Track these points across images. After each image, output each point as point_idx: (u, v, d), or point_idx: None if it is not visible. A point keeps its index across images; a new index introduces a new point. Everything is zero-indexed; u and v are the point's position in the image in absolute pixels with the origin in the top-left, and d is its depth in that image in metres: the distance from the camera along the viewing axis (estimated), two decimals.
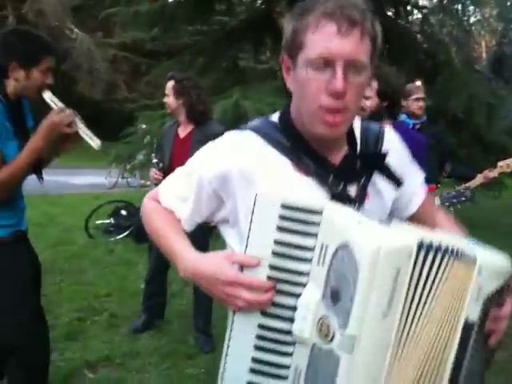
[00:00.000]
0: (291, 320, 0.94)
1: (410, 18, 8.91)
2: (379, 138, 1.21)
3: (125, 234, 6.65)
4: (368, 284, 0.82)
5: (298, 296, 0.94)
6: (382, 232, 0.91)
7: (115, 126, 20.14)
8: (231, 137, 1.16)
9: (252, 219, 0.94)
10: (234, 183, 1.10)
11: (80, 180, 13.71)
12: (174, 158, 3.48)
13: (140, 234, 6.42)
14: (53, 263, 5.29)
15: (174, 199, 1.23)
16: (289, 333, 0.95)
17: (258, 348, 0.98)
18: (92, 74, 24.39)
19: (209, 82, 9.96)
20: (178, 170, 1.26)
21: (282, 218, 0.93)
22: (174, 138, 3.57)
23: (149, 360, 3.21)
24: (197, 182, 1.16)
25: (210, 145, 1.20)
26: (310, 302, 0.92)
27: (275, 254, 0.94)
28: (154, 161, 3.74)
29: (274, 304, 0.95)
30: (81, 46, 23.44)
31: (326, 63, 1.01)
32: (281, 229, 0.93)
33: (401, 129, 2.45)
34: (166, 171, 3.26)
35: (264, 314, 0.96)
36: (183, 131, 3.54)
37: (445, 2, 8.66)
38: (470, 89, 7.12)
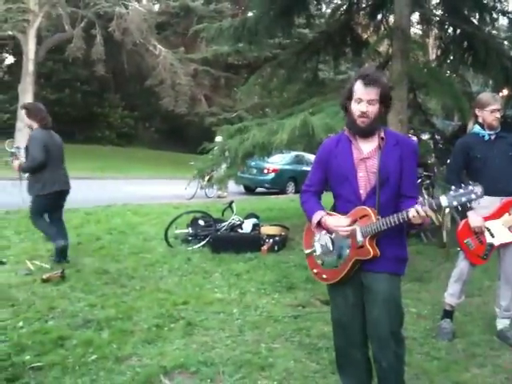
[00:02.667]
0: None
1: (496, 24, 8.49)
2: None
3: (202, 243, 6.79)
4: None
5: None
6: None
7: (196, 138, 20.73)
8: None
9: None
10: None
11: (161, 190, 14.20)
12: None
13: (216, 244, 6.56)
14: (134, 270, 5.50)
15: None
16: None
17: None
18: (175, 89, 25.27)
19: (290, 94, 10.06)
20: None
21: None
22: None
23: (223, 369, 3.23)
24: None
25: None
26: None
27: None
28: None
29: None
30: (164, 62, 24.36)
31: None
32: None
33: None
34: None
35: None
36: None
37: None
38: None
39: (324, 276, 2.72)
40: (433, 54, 9.61)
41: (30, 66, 21.73)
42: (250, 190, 16.48)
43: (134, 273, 5.42)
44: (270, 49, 17.90)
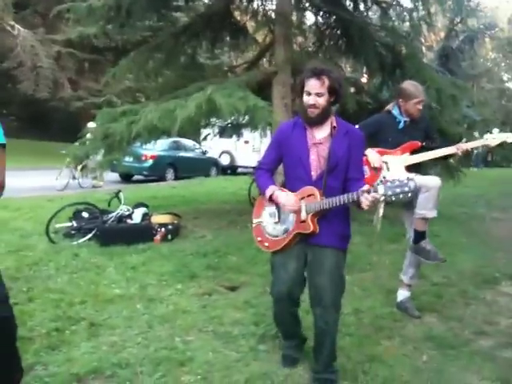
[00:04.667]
0: None
1: (369, 12, 8.99)
2: None
3: (88, 236, 6.37)
4: None
5: None
6: None
7: (62, 124, 19.41)
8: None
9: None
10: None
11: (25, 182, 12.89)
12: None
13: (105, 237, 6.19)
14: (17, 270, 4.99)
15: None
16: None
17: None
18: (35, 72, 23.33)
19: (167, 78, 9.75)
20: None
21: None
22: None
23: (140, 369, 3.03)
24: None
25: None
26: None
27: None
28: None
29: None
30: (24, 43, 22.36)
31: None
32: None
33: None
34: None
35: None
36: None
37: None
38: (437, 81, 7.28)
39: (266, 244, 3.03)
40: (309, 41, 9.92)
41: None
42: (125, 179, 15.85)
43: (17, 273, 4.90)
44: (141, 32, 17.23)
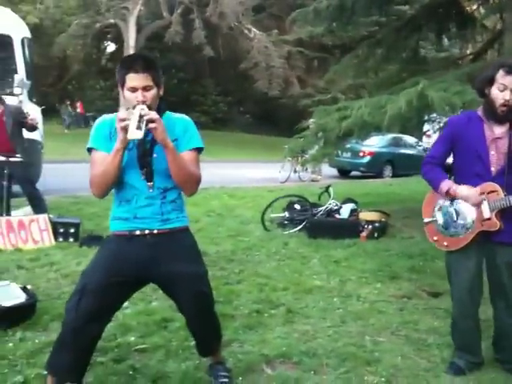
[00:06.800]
0: None
1: None
2: None
3: (298, 227, 6.69)
4: None
5: None
6: None
7: (290, 121, 20.69)
8: None
9: None
10: None
11: (255, 173, 14.25)
12: None
13: (313, 229, 6.42)
14: (233, 253, 5.51)
15: None
16: None
17: None
18: (268, 72, 25.19)
19: (387, 74, 9.61)
20: None
21: None
22: None
23: (326, 361, 3.10)
24: None
25: None
26: None
27: None
28: None
29: None
30: (258, 45, 24.33)
31: None
32: None
33: None
34: None
35: None
36: None
37: None
38: None
39: (445, 243, 2.94)
40: None
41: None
42: (344, 174, 16.10)
43: (232, 256, 5.43)
44: (365, 28, 17.24)
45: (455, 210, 2.88)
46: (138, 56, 2.50)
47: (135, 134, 2.14)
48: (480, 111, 2.86)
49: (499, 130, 2.78)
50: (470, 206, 2.82)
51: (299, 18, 9.16)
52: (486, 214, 2.76)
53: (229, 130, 31.65)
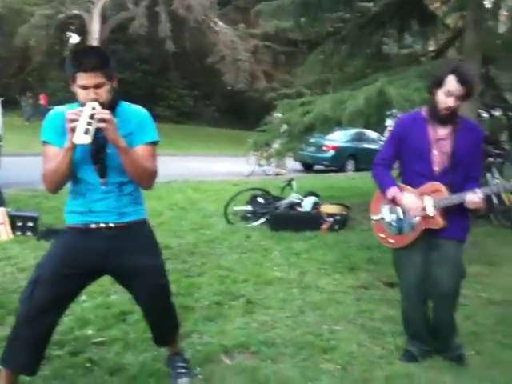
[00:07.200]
0: None
1: None
2: None
3: (261, 221, 6.74)
4: None
5: None
6: None
7: (256, 115, 20.75)
8: None
9: None
10: None
11: (220, 167, 14.27)
12: None
13: (275, 222, 6.48)
14: (195, 246, 5.52)
15: None
16: None
17: None
18: (235, 66, 25.13)
19: (351, 70, 9.74)
20: None
21: None
22: None
23: (284, 350, 3.16)
24: None
25: None
26: None
27: None
28: None
29: None
30: (225, 39, 24.25)
31: None
32: None
33: None
34: None
35: None
36: None
37: None
38: None
39: (391, 241, 3.06)
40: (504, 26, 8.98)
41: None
42: (308, 168, 16.27)
43: (194, 249, 5.44)
44: (331, 23, 17.40)
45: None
46: (88, 52, 2.36)
47: (82, 139, 2.08)
48: (424, 111, 2.96)
49: (442, 132, 2.87)
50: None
51: (264, 11, 9.19)
52: (430, 212, 2.86)
53: (195, 124, 31.41)
